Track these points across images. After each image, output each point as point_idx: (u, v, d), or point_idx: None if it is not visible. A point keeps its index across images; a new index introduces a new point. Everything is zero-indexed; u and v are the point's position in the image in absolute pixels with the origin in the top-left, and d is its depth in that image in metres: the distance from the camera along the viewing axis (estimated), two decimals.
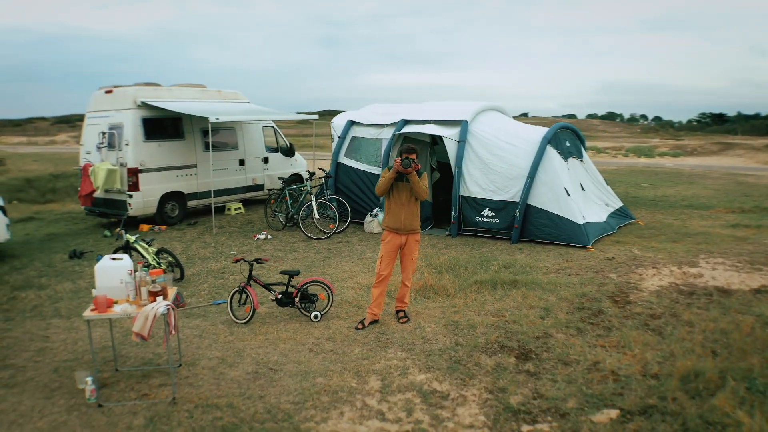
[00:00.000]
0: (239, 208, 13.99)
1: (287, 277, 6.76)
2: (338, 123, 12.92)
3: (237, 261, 6.85)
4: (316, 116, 14.88)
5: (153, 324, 4.57)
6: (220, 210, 13.79)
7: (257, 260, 6.88)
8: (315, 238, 10.98)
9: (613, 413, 4.57)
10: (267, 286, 6.79)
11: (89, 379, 4.69)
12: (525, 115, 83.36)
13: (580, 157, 11.14)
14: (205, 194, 12.79)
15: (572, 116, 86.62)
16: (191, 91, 13.36)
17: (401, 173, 6.24)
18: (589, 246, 9.38)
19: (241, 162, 14.04)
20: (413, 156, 6.24)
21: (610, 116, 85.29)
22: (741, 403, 4.46)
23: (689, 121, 70.47)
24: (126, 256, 5.02)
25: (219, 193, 13.47)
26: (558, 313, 6.52)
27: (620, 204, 11.63)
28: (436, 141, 11.88)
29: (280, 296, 6.69)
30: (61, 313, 7.00)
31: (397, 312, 6.59)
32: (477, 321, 6.31)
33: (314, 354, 5.68)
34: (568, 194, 9.79)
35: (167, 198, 12.36)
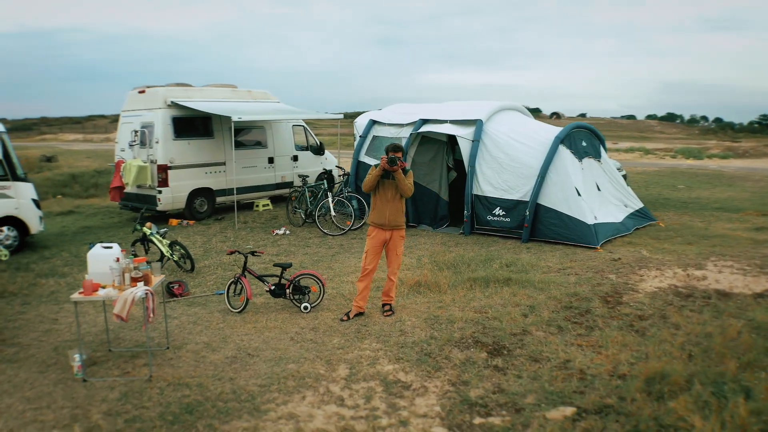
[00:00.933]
0: (267, 205, 14.45)
1: (280, 269, 7.06)
2: (360, 122, 13.17)
3: (231, 253, 7.20)
4: (341, 115, 15.21)
5: (131, 307, 4.95)
6: (249, 206, 14.32)
7: (252, 252, 7.21)
8: (331, 234, 11.29)
9: (569, 411, 4.61)
10: (261, 278, 7.12)
11: (77, 356, 5.11)
12: (583, 115, 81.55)
13: (597, 157, 11.00)
14: (236, 190, 13.29)
15: (631, 117, 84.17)
16: (221, 91, 13.91)
17: (387, 171, 6.43)
18: (598, 246, 9.29)
19: (270, 160, 14.51)
20: (399, 154, 6.43)
21: (670, 117, 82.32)
22: (701, 408, 4.43)
23: (750, 123, 67.20)
24: (116, 245, 5.43)
25: (248, 189, 14.00)
26: (542, 312, 6.55)
27: (640, 205, 11.42)
28: (456, 141, 11.97)
29: (273, 287, 7.00)
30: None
31: (383, 305, 6.78)
32: (458, 316, 6.43)
33: (294, 342, 5.95)
34: (579, 194, 9.72)
35: (196, 194, 12.92)
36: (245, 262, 7.06)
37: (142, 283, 5.14)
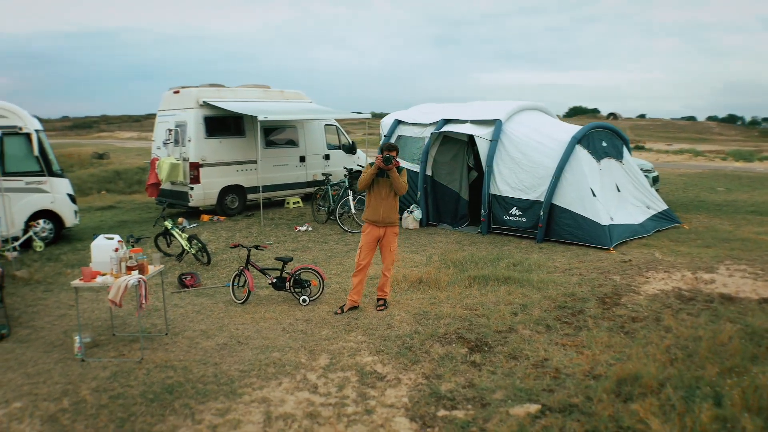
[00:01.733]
0: (297, 203, 14.82)
1: (282, 263, 7.32)
2: (386, 122, 13.33)
3: (235, 246, 7.51)
4: (368, 115, 15.43)
5: (124, 293, 5.29)
6: (281, 204, 14.73)
7: (256, 246, 7.50)
8: (350, 232, 11.51)
9: (533, 408, 4.64)
10: (263, 271, 7.40)
11: (77, 338, 5.51)
12: (643, 116, 79.26)
13: (618, 157, 10.79)
14: (267, 188, 13.66)
15: (691, 118, 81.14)
16: (254, 92, 14.35)
17: (382, 169, 6.58)
18: (611, 248, 9.15)
19: (302, 158, 14.85)
20: (393, 153, 6.59)
21: (731, 119, 78.77)
22: (665, 412, 4.39)
23: None
24: (117, 236, 5.81)
25: (279, 187, 14.38)
26: (533, 310, 6.56)
27: (664, 207, 11.11)
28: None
29: (275, 280, 7.27)
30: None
31: (378, 300, 6.93)
32: (446, 313, 6.51)
33: (285, 332, 6.19)
34: (594, 195, 9.59)
35: (227, 191, 13.37)
36: (248, 256, 7.36)
37: (136, 271, 5.48)
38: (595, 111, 79.83)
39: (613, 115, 69.29)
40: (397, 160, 6.62)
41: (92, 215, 13.72)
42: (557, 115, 13.14)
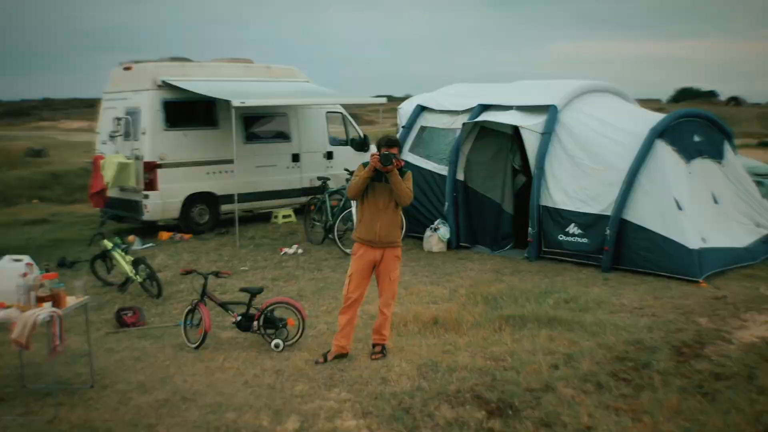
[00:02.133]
0: (289, 216, 15.03)
1: (249, 295, 7.53)
2: (406, 109, 13.54)
3: (187, 273, 7.75)
4: (383, 99, 15.68)
5: (32, 332, 5.54)
6: (267, 217, 14.99)
7: (215, 273, 7.73)
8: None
9: None
10: (224, 305, 7.62)
11: None
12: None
13: (717, 157, 10.83)
14: (247, 196, 13.73)
15: None
16: (231, 68, 14.67)
17: (380, 171, 6.73)
18: (700, 280, 9.17)
19: (295, 157, 15.07)
20: (395, 150, 6.73)
21: None
22: None
23: None
24: (26, 257, 6.09)
25: (264, 195, 14.55)
26: (581, 363, 6.62)
27: None
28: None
29: (239, 318, 7.47)
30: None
31: (374, 346, 7.06)
32: (463, 364, 6.61)
33: (247, 387, 6.36)
34: (680, 208, 9.62)
35: (194, 200, 13.64)
36: (204, 285, 7.59)
37: (49, 303, 5.74)
38: (712, 94, 78.95)
39: (734, 100, 68.75)
40: (400, 159, 6.76)
41: (17, 231, 14.19)
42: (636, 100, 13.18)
